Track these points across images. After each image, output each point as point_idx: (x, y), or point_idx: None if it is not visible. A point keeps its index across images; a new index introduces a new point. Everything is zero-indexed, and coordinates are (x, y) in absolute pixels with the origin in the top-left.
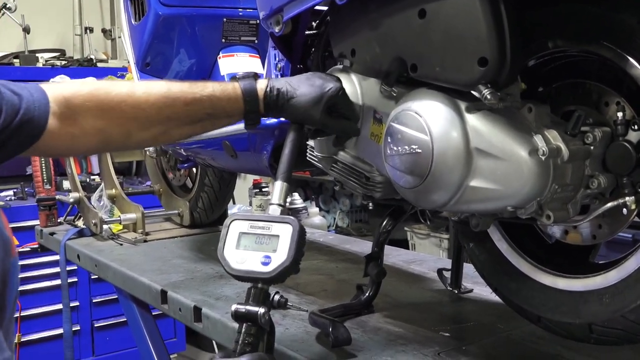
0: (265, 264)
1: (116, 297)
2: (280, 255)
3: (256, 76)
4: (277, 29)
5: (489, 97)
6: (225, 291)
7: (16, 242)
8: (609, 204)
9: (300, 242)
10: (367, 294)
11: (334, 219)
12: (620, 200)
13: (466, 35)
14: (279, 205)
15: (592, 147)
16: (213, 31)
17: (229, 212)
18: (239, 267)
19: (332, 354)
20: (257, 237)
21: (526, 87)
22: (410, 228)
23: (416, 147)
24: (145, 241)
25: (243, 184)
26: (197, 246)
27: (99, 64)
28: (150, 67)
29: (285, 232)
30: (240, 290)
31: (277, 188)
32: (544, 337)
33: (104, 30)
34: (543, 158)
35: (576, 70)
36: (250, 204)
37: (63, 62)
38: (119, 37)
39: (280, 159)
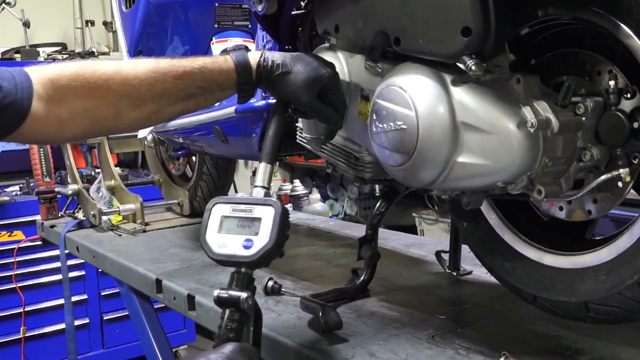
0: (247, 247)
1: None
2: (262, 239)
3: (247, 49)
4: (259, 8)
5: (473, 68)
6: (220, 279)
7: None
8: (603, 177)
9: (283, 225)
10: (361, 278)
11: (342, 206)
12: (614, 173)
13: (448, 5)
14: (263, 187)
15: (583, 118)
16: (205, 17)
17: None
18: (220, 251)
19: (323, 339)
20: (239, 220)
21: (515, 58)
22: (418, 214)
23: (401, 123)
24: (144, 231)
25: (246, 171)
26: (195, 235)
27: (101, 57)
28: (142, 54)
29: (267, 215)
30: None
31: (261, 170)
32: (543, 317)
33: (105, 23)
34: (532, 130)
35: (568, 39)
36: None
37: (65, 56)
38: None
39: (264, 140)
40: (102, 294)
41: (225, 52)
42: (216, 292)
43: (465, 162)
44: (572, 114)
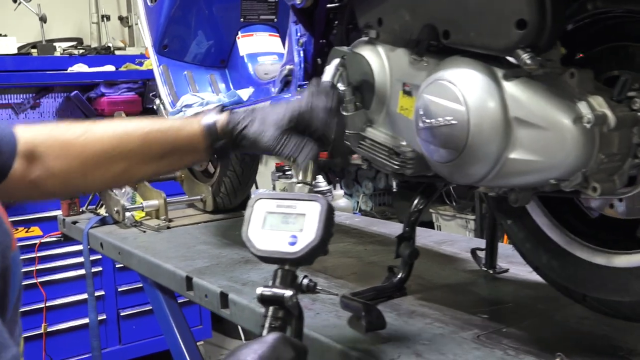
0: (292, 244)
1: (141, 285)
2: (307, 235)
3: (222, 109)
4: (298, 1)
5: (528, 61)
6: (251, 276)
7: (23, 235)
8: None
9: (329, 221)
10: (399, 276)
11: (357, 202)
12: None
13: None
14: (305, 183)
15: (639, 114)
16: (231, 11)
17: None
18: (264, 247)
19: (366, 338)
20: (283, 216)
21: (566, 52)
22: (436, 210)
23: (451, 118)
24: (168, 228)
25: (264, 168)
26: (220, 231)
27: (117, 52)
28: (167, 49)
29: (312, 211)
30: (267, 275)
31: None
32: (588, 317)
33: (120, 18)
34: (588, 126)
35: (617, 32)
36: (274, 188)
37: (81, 51)
38: (136, 24)
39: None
40: (119, 290)
41: (200, 115)
42: (259, 290)
43: (517, 158)
44: (627, 109)
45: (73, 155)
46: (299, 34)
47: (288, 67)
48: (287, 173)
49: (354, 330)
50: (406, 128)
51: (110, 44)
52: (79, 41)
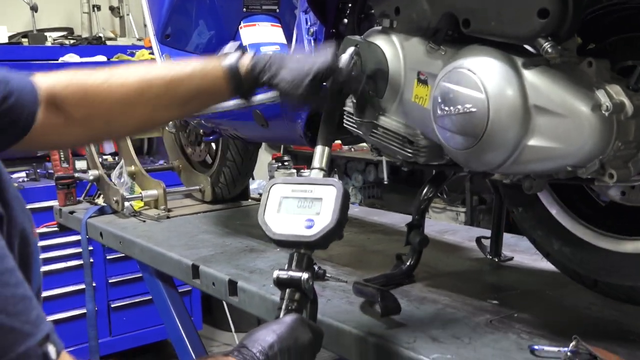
0: (309, 227)
1: (132, 277)
2: (324, 218)
3: (243, 52)
4: None
5: (549, 50)
6: (258, 264)
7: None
8: None
9: (345, 206)
10: (408, 263)
11: None
12: None
13: None
14: (321, 169)
15: None
16: (233, 1)
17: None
18: (281, 231)
19: (380, 323)
20: (299, 200)
21: (582, 42)
22: None
23: (470, 106)
24: (168, 217)
25: (261, 159)
26: (221, 221)
27: (108, 42)
28: (170, 38)
29: (329, 195)
30: (273, 263)
31: (318, 152)
32: (596, 303)
33: (111, 8)
34: (607, 114)
35: (630, 24)
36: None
37: (72, 41)
38: (127, 14)
39: (321, 124)
40: (109, 281)
41: (219, 56)
42: (276, 273)
43: (536, 145)
44: None
45: (97, 102)
46: (309, 23)
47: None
48: (285, 163)
49: (367, 315)
50: (420, 116)
51: (101, 34)
52: (70, 31)
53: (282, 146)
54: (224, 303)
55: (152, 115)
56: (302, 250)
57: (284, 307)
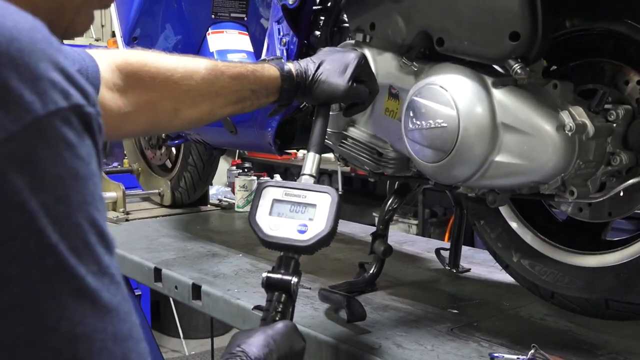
0: (301, 232)
1: None
2: (318, 225)
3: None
4: (291, 1)
5: (519, 71)
6: (221, 269)
7: None
8: (631, 181)
9: (338, 214)
10: (371, 272)
11: None
12: None
13: (498, 9)
14: (311, 175)
15: (614, 125)
16: (201, 7)
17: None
18: (273, 233)
19: (346, 329)
20: (292, 205)
21: (547, 65)
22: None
23: (442, 121)
24: (127, 220)
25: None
26: (182, 225)
27: (65, 42)
28: (137, 41)
29: (323, 202)
30: (237, 268)
31: (310, 159)
32: (551, 314)
33: None
34: (570, 134)
35: (591, 49)
36: (229, 185)
37: None
38: None
39: (312, 131)
40: None
41: (263, 61)
42: (265, 275)
43: (502, 161)
44: (604, 120)
45: (168, 90)
46: (281, 34)
47: (280, 58)
48: (246, 170)
49: (332, 321)
50: (390, 129)
51: None
52: None
53: (237, 152)
54: (173, 309)
55: (212, 110)
56: (291, 254)
57: (272, 308)
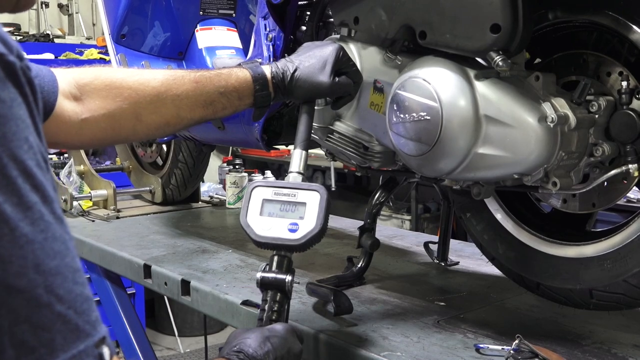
0: (292, 231)
1: None
2: (308, 223)
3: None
4: None
5: (500, 63)
6: (211, 265)
7: None
8: (613, 171)
9: (328, 211)
10: (359, 266)
11: None
12: (624, 168)
13: (479, 2)
14: (299, 173)
15: (596, 116)
16: (190, 3)
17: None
18: (264, 234)
19: (333, 322)
20: (282, 204)
21: (529, 57)
22: None
23: (425, 114)
24: (117, 217)
25: (210, 162)
26: (172, 222)
27: (56, 40)
28: (125, 38)
29: (313, 200)
30: (226, 264)
31: (296, 156)
32: (537, 305)
33: (60, 6)
34: (552, 125)
35: (574, 41)
36: (220, 182)
37: (19, 37)
38: (76, 12)
39: (297, 128)
40: None
41: (238, 66)
42: (259, 275)
43: (485, 153)
44: (586, 112)
45: (124, 96)
46: (267, 29)
47: (257, 61)
48: (237, 167)
49: (320, 315)
50: (375, 123)
51: (49, 32)
52: (17, 27)
53: (230, 149)
54: (168, 307)
55: (178, 115)
56: (283, 253)
57: (267, 308)
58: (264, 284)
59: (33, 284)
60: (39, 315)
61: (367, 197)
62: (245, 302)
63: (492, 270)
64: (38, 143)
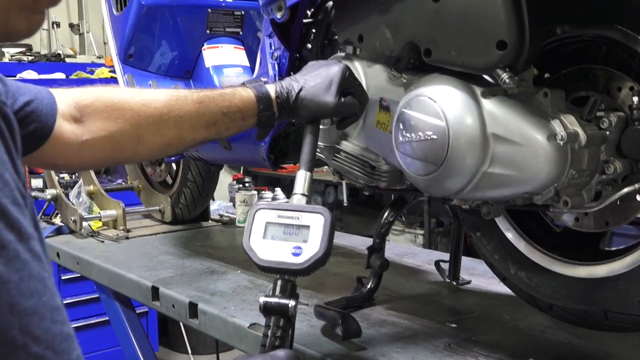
0: (296, 254)
1: (87, 298)
2: (312, 246)
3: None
4: (279, 15)
5: (507, 81)
6: (219, 286)
7: None
8: (626, 189)
9: (332, 234)
10: (368, 286)
11: None
12: (637, 185)
13: (484, 18)
14: (303, 195)
15: (607, 132)
16: (197, 22)
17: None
18: (267, 257)
19: (342, 347)
20: (285, 227)
21: (537, 73)
22: None
23: (431, 133)
24: (127, 238)
25: (221, 180)
26: (182, 242)
27: (67, 59)
28: (133, 58)
29: (316, 223)
30: (234, 285)
31: (300, 177)
32: (551, 326)
33: (71, 25)
34: (561, 143)
35: (583, 56)
36: (231, 200)
37: (30, 58)
38: (87, 32)
39: (302, 149)
40: (64, 302)
41: (242, 85)
42: (262, 299)
43: (494, 172)
44: (596, 128)
45: (126, 117)
46: (273, 48)
47: (262, 79)
48: (246, 185)
49: (328, 339)
50: (382, 142)
51: (60, 51)
52: (29, 47)
53: (241, 167)
54: (181, 325)
55: (180, 135)
56: (287, 277)
57: (270, 333)
58: (267, 309)
59: (7, 326)
60: (14, 358)
61: (379, 212)
62: (253, 325)
63: (505, 289)
64: (15, 179)
